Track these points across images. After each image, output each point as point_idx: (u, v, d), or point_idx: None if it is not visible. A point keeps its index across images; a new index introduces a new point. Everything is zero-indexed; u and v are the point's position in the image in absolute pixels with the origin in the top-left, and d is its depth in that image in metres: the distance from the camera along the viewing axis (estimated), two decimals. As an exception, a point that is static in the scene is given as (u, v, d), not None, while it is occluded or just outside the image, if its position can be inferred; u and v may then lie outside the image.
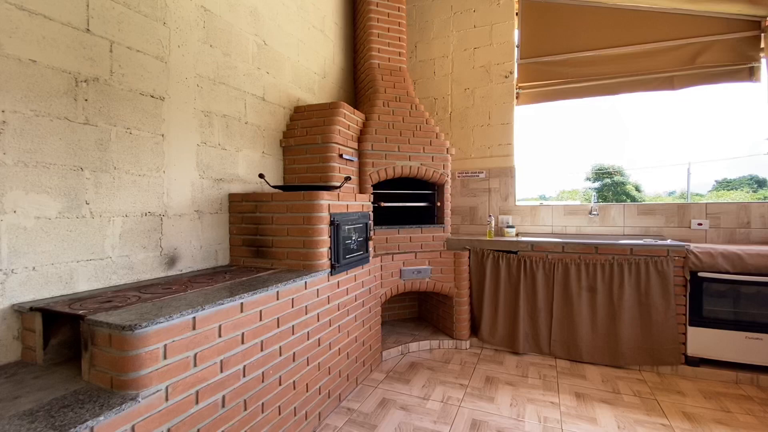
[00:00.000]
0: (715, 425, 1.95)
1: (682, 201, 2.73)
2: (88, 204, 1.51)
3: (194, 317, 1.26)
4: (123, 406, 1.03)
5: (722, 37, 2.95)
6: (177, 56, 1.88)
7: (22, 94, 1.32)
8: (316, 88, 3.06)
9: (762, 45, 2.86)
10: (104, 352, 1.12)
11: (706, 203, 2.90)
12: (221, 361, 1.37)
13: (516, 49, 3.45)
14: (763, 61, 2.86)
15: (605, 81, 3.23)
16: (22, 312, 1.30)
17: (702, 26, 2.99)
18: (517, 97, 3.47)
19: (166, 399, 1.16)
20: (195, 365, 1.27)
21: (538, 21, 3.40)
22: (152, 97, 1.76)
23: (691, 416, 2.03)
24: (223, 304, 1.37)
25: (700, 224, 2.90)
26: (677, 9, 3.01)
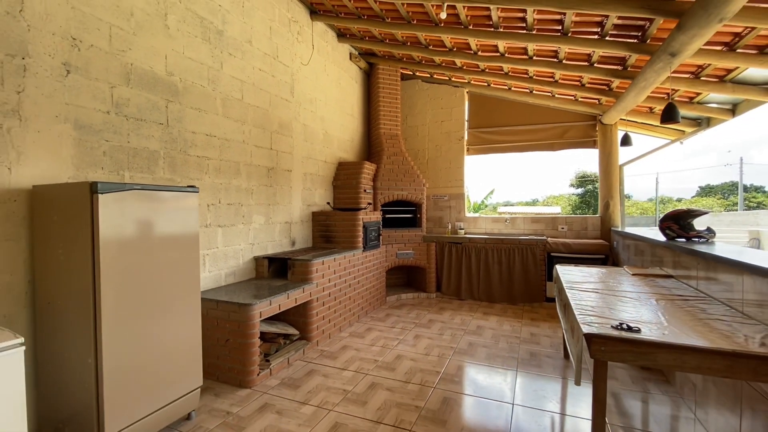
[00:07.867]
0: (542, 321, 4.22)
1: (557, 215, 4.94)
2: (270, 218, 3.75)
3: (323, 260, 3.50)
4: (310, 285, 3.28)
5: (578, 123, 5.25)
6: (296, 150, 4.12)
7: (256, 177, 3.56)
8: (348, 148, 5.31)
9: (597, 129, 5.16)
10: (299, 269, 3.36)
11: (566, 216, 5.18)
12: (328, 278, 3.62)
13: (466, 122, 5.74)
14: (598, 137, 5.15)
15: (517, 144, 5.52)
16: (257, 259, 3.54)
17: (568, 116, 5.29)
18: (467, 151, 5.75)
19: (316, 286, 3.40)
20: (323, 277, 3.51)
21: (478, 106, 5.69)
22: (288, 171, 4.00)
23: (533, 318, 4.30)
24: (330, 256, 3.62)
25: (563, 228, 5.19)
26: (554, 106, 5.31)
